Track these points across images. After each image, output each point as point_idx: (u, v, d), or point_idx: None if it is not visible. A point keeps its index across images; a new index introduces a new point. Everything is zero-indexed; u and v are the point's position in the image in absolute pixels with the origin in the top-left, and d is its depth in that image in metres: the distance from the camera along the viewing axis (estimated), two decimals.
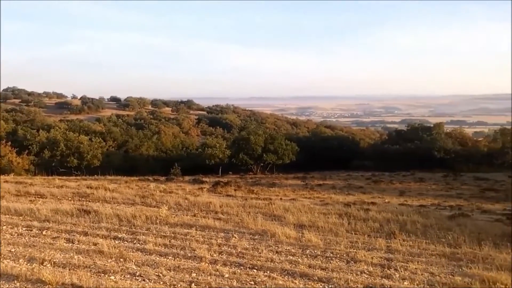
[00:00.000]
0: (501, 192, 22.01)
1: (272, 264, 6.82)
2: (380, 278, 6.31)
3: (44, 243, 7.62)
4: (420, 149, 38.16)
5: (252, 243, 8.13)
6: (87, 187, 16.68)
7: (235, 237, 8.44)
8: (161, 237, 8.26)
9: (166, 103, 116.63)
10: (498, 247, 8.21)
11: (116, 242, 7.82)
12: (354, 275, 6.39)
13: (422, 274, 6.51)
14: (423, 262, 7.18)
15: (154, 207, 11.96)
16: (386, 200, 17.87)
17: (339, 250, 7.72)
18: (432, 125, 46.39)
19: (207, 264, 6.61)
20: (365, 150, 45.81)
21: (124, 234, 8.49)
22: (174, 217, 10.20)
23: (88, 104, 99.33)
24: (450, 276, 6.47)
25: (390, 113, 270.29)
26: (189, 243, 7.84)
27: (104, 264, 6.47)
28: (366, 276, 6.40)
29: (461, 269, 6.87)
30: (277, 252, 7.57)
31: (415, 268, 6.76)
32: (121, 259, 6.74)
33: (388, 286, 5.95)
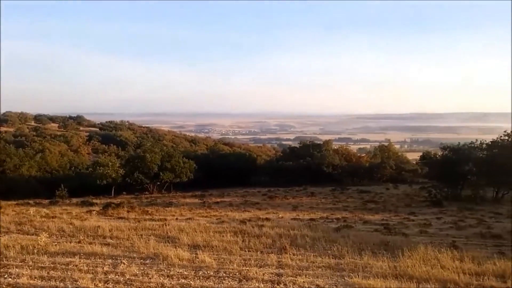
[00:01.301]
0: (380, 203, 24.40)
1: None
2: None
3: None
4: (311, 165, 40.68)
5: (142, 268, 7.74)
6: None
7: (124, 263, 7.96)
8: (38, 269, 7.45)
9: (52, 119, 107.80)
10: (375, 255, 9.00)
11: None
12: None
13: (309, 287, 6.80)
14: (311, 275, 7.53)
15: (33, 234, 10.82)
16: (280, 216, 18.56)
17: (232, 269, 7.73)
18: (321, 142, 49.90)
19: None
20: (262, 166, 47.29)
21: None
22: (55, 245, 9.32)
23: None
24: (334, 287, 6.88)
25: (285, 131, 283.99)
26: (71, 274, 7.19)
27: None
28: None
29: (344, 279, 7.35)
30: (168, 276, 7.31)
31: (303, 282, 7.05)
32: None
33: None
